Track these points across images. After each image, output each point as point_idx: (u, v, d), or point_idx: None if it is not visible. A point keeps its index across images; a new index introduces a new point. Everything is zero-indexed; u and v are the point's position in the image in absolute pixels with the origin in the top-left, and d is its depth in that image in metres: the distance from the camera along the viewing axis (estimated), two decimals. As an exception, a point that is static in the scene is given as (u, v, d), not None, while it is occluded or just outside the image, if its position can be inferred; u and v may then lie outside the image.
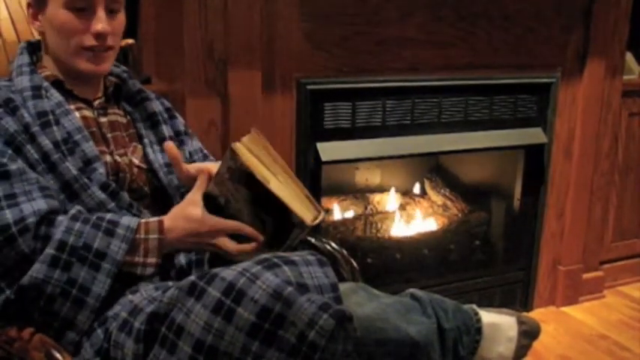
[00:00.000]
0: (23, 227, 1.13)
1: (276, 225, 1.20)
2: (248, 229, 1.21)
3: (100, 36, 1.27)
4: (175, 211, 1.24)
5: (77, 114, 1.31)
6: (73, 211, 1.18)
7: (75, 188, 1.22)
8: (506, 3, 2.23)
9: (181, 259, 1.32)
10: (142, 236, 1.19)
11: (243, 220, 1.21)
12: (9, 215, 1.13)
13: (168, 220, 1.22)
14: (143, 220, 1.21)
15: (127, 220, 1.19)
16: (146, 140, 1.40)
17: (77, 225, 1.15)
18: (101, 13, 1.26)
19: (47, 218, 1.15)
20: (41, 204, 1.16)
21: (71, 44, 1.27)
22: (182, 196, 1.36)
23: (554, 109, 2.42)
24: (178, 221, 1.22)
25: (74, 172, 1.22)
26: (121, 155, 1.34)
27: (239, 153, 1.15)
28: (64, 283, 1.13)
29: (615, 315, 2.60)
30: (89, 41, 1.27)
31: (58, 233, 1.14)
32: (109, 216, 1.19)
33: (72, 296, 1.13)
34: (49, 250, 1.13)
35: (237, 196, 1.19)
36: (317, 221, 1.21)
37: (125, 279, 1.19)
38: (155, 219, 1.22)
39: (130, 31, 1.85)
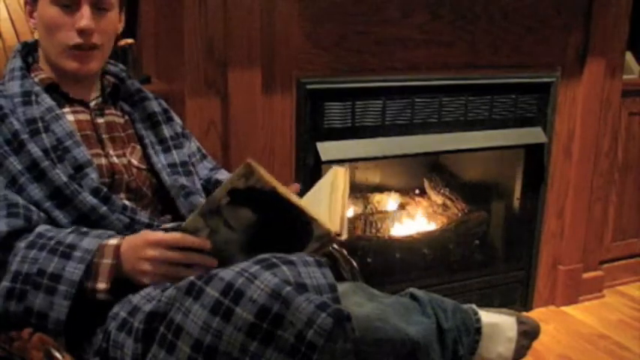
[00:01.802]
0: None
1: (281, 247, 1.08)
2: (194, 241, 1.11)
3: (83, 33, 1.25)
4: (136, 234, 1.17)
5: (71, 117, 1.31)
6: (30, 238, 1.14)
7: (66, 194, 1.21)
8: (506, 3, 2.23)
9: None
10: (96, 260, 1.12)
11: (232, 252, 1.12)
12: None
13: (126, 242, 1.14)
14: (103, 242, 1.14)
15: (87, 243, 1.13)
16: (147, 141, 1.40)
17: (32, 252, 1.12)
18: (86, 9, 1.25)
19: (5, 243, 1.14)
20: (1, 226, 1.14)
21: (56, 41, 1.27)
22: (185, 197, 1.35)
23: (554, 108, 2.42)
24: (132, 241, 1.14)
25: (64, 179, 1.21)
26: (118, 156, 1.33)
27: (257, 169, 1.05)
28: (22, 313, 1.11)
29: (615, 315, 2.60)
30: (73, 39, 1.26)
31: (13, 264, 1.12)
32: (69, 239, 1.14)
33: (32, 325, 1.12)
34: (5, 283, 1.12)
35: (233, 223, 1.09)
36: (342, 236, 1.11)
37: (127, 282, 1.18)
38: (114, 242, 1.15)
39: (130, 31, 1.86)
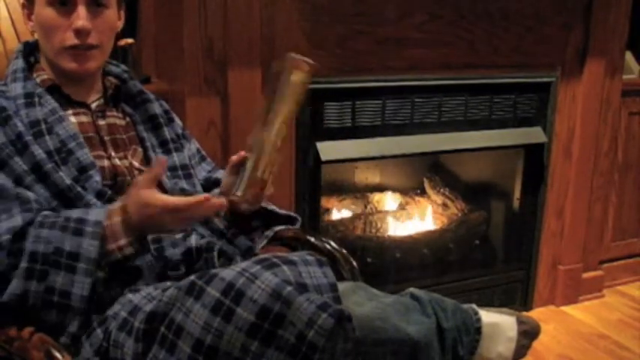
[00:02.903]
0: None
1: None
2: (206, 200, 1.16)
3: (80, 33, 1.24)
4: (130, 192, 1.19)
5: (74, 119, 1.30)
6: (39, 219, 1.15)
7: (69, 197, 1.21)
8: (506, 2, 2.23)
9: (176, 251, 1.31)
10: (107, 223, 1.14)
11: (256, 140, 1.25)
12: None
13: (130, 198, 1.16)
14: (109, 208, 1.17)
15: (95, 215, 1.15)
16: (148, 144, 1.39)
17: (44, 232, 1.13)
18: (82, 9, 1.24)
19: (20, 233, 1.13)
20: (17, 220, 1.14)
21: (54, 43, 1.26)
22: None
23: (554, 108, 2.42)
24: (134, 205, 1.16)
25: (68, 181, 1.21)
26: (120, 158, 1.33)
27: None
28: (43, 292, 1.11)
29: (615, 314, 2.61)
30: (70, 40, 1.25)
31: (28, 245, 1.12)
32: (75, 214, 1.15)
33: (54, 304, 1.12)
34: (23, 264, 1.11)
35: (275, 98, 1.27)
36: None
37: (125, 278, 1.19)
38: (118, 204, 1.17)
39: (130, 31, 1.86)
